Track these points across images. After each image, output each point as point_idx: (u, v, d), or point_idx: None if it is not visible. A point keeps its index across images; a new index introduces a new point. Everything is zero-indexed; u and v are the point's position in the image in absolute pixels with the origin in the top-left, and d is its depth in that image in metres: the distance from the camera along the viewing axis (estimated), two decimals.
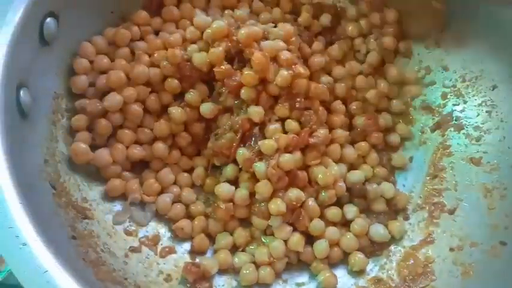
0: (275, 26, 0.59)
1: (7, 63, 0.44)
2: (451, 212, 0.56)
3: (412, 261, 0.54)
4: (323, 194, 0.55)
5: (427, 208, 0.58)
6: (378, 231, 0.56)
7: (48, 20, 0.50)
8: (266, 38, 0.57)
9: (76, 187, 0.52)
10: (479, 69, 0.59)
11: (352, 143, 0.61)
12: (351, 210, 0.57)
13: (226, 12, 0.61)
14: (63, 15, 0.52)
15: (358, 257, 0.54)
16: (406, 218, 0.58)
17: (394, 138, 0.62)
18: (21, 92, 0.46)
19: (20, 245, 0.38)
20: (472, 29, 0.60)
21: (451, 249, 0.53)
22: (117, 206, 0.55)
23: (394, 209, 0.59)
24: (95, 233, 0.50)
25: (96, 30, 0.58)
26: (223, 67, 0.55)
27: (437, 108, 0.63)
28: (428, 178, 0.60)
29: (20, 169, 0.42)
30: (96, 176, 0.55)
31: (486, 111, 0.58)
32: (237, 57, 0.56)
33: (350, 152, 0.59)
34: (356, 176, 0.58)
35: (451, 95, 0.62)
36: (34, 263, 0.37)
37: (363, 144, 0.60)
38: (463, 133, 0.60)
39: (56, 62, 0.54)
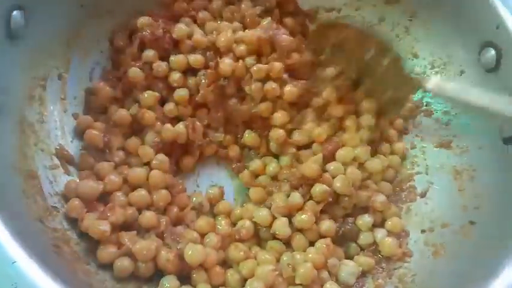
0: None
1: None
2: (423, 195, 0.58)
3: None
4: None
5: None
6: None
7: (15, 12, 0.49)
8: None
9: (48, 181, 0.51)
10: (447, 55, 0.61)
11: None
12: None
13: None
14: (30, 8, 0.50)
15: None
16: None
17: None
18: None
19: None
20: (440, 16, 0.60)
21: (423, 231, 0.55)
22: None
23: None
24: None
25: (65, 23, 0.57)
26: None
27: None
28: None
29: None
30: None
31: None
32: None
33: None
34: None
35: None
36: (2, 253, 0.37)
37: None
38: (433, 118, 0.61)
39: (25, 57, 0.52)
